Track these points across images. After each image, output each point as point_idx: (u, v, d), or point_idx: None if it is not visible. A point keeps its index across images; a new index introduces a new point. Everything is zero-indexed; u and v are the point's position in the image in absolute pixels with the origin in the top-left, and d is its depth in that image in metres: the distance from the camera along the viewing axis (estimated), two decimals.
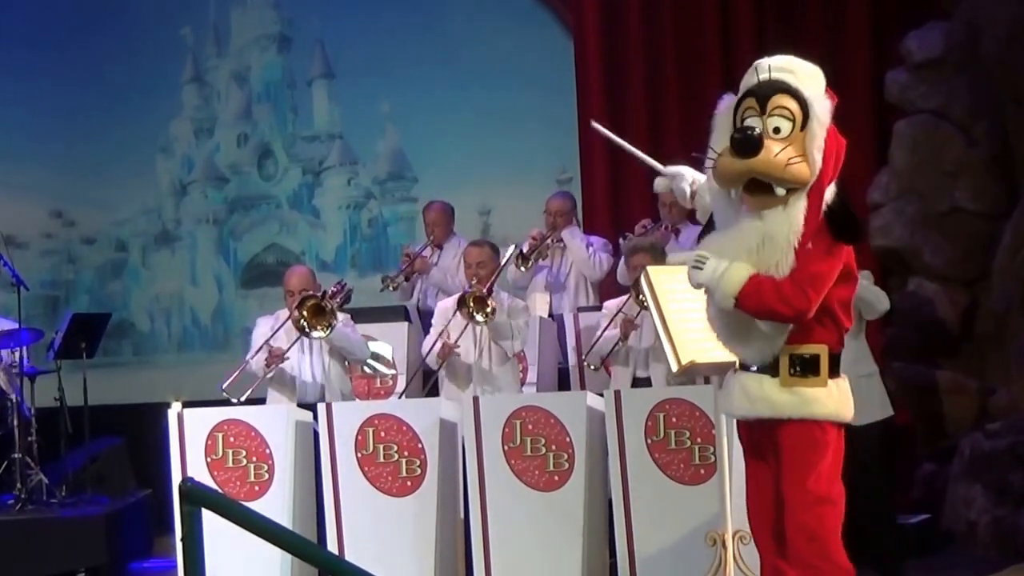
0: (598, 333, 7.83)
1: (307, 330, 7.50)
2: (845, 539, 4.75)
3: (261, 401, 7.72)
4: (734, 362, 5.26)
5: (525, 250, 8.96)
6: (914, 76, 8.92)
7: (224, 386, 7.50)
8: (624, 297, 7.90)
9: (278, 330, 7.65)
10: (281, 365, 7.60)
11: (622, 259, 8.57)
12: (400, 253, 9.70)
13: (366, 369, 8.38)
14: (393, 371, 8.47)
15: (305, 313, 7.49)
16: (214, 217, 11.93)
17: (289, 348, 7.57)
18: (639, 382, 7.62)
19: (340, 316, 7.63)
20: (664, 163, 5.40)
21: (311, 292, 7.60)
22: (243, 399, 7.47)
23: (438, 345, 7.77)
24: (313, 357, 7.70)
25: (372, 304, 9.33)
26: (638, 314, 7.55)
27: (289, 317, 7.61)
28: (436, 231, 9.38)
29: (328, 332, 7.51)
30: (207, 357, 11.67)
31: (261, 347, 7.64)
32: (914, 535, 7.84)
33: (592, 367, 7.86)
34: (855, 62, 9.72)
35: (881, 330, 8.55)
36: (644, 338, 7.62)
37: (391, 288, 9.29)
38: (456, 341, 7.72)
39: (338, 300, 7.67)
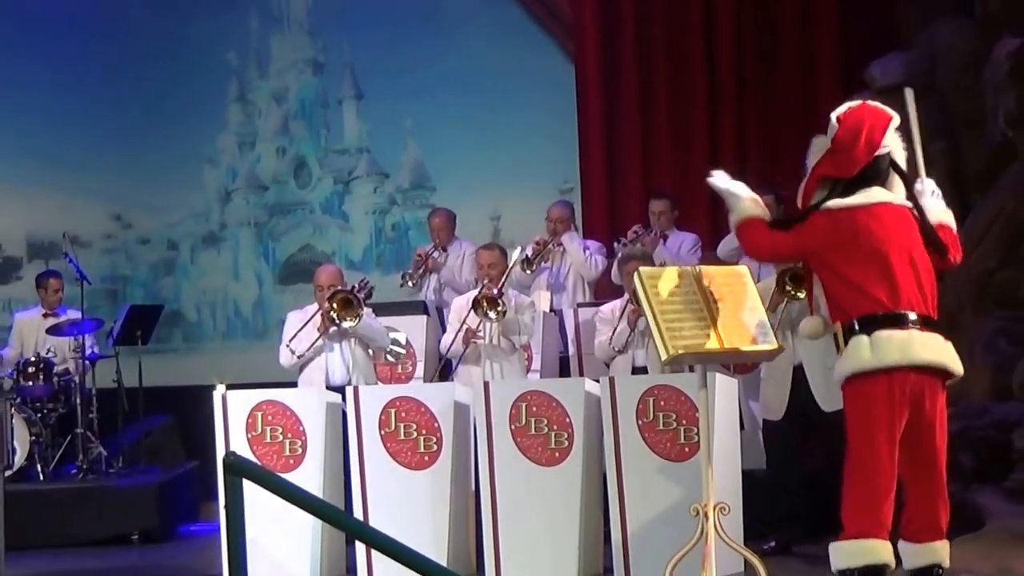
0: (608, 334, 7.75)
1: (337, 320, 7.49)
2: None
3: (293, 385, 7.72)
4: (717, 352, 5.27)
5: (530, 255, 8.94)
6: (877, 100, 8.87)
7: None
8: (616, 301, 7.89)
9: (308, 322, 7.64)
10: (310, 353, 7.59)
11: (616, 263, 8.57)
12: (414, 254, 9.66)
13: (389, 357, 8.37)
14: (404, 351, 8.44)
15: (335, 305, 7.48)
16: (255, 221, 11.93)
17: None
18: (637, 370, 7.60)
19: (364, 308, 7.61)
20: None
21: (340, 287, 7.60)
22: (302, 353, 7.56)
23: (460, 337, 7.76)
24: (341, 345, 7.68)
25: (395, 299, 9.32)
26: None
27: (319, 310, 7.60)
28: (441, 235, 9.37)
29: (357, 322, 7.49)
30: (248, 345, 11.67)
31: (295, 335, 7.63)
32: None
33: (616, 349, 7.78)
34: (825, 87, 9.72)
35: None
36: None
37: (410, 284, 9.26)
38: (478, 327, 7.72)
39: (362, 295, 7.66)
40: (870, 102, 4.98)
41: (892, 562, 4.65)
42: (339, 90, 11.73)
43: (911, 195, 4.95)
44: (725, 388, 6.52)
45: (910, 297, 4.73)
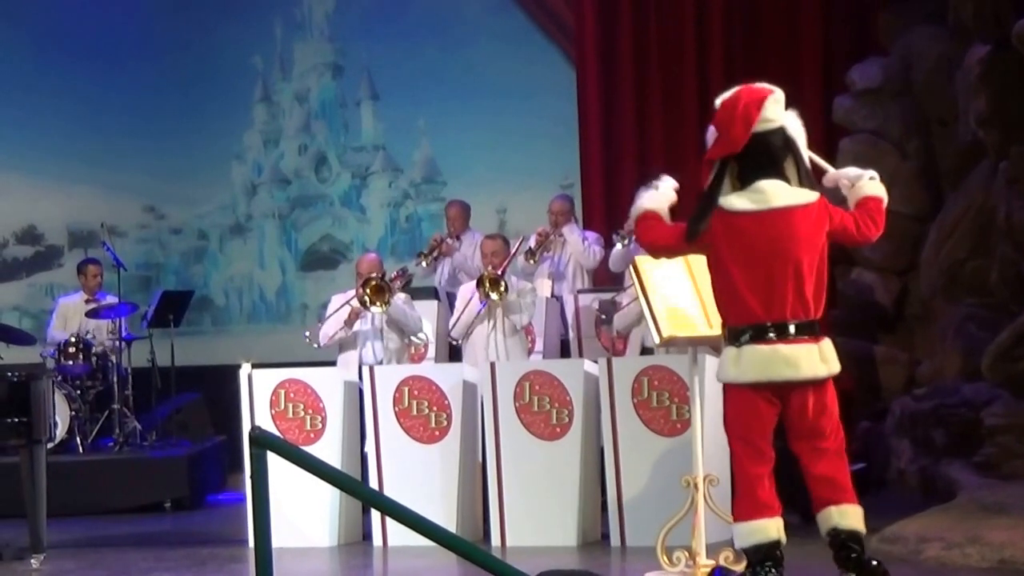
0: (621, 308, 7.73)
1: (367, 304, 7.51)
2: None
3: (332, 363, 7.72)
4: (707, 336, 5.24)
5: (533, 245, 8.92)
6: (857, 101, 8.85)
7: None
8: None
9: (341, 307, 7.65)
10: (342, 335, 7.63)
11: (617, 247, 8.56)
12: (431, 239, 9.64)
13: (415, 339, 8.34)
14: (425, 340, 8.44)
15: (368, 291, 7.51)
16: (279, 212, 11.92)
17: None
18: (646, 351, 7.56)
19: (401, 296, 7.70)
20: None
21: (375, 275, 7.61)
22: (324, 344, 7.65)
23: (463, 319, 7.75)
24: (376, 326, 7.69)
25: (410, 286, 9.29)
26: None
27: (356, 295, 7.64)
28: (456, 224, 9.34)
29: (385, 308, 7.51)
30: (272, 327, 11.67)
31: (332, 315, 7.73)
32: (853, 481, 7.76)
33: (616, 333, 7.75)
34: (809, 89, 9.64)
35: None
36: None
37: (424, 264, 9.20)
38: (482, 302, 7.71)
39: (399, 283, 7.75)
40: (753, 84, 4.67)
41: (780, 536, 4.61)
42: (357, 92, 11.70)
43: (817, 177, 4.69)
44: (714, 368, 6.48)
45: (786, 306, 4.52)
